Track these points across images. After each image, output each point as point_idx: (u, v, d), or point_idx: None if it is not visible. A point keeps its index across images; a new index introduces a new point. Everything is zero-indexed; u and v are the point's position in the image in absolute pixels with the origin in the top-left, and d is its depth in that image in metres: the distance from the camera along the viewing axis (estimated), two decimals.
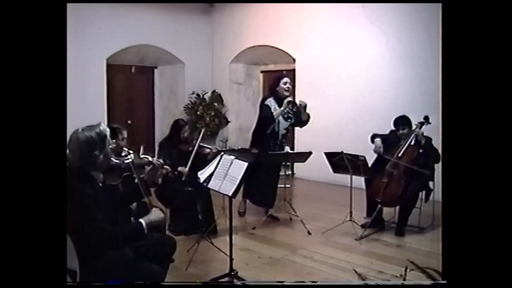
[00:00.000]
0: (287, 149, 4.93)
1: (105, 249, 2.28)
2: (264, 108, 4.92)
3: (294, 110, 4.95)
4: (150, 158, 3.06)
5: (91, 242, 2.24)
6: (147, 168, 2.72)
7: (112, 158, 2.57)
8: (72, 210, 2.13)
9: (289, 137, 7.57)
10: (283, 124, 4.94)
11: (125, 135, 3.90)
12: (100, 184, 2.41)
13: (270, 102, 4.92)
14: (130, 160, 2.74)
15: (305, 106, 4.87)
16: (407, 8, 6.20)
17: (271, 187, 5.07)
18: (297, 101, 4.99)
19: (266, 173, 4.78)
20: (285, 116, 4.92)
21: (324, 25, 7.15)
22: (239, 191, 3.18)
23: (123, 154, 2.99)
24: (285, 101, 4.80)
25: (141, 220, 2.39)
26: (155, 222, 2.42)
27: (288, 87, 4.91)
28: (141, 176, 2.67)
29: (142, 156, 3.24)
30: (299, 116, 4.97)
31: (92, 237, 2.23)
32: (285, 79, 4.96)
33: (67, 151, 2.25)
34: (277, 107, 4.85)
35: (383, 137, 4.74)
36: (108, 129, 2.36)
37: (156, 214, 2.46)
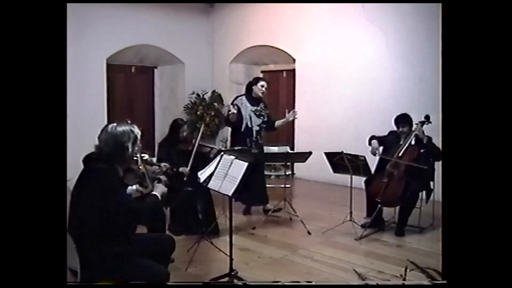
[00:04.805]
0: (287, 149, 4.95)
1: (131, 224, 2.50)
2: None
3: (267, 112, 5.22)
4: (160, 166, 3.12)
5: (117, 219, 2.33)
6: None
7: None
8: (98, 193, 2.29)
9: (289, 137, 7.63)
10: (256, 121, 5.14)
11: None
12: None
13: (242, 100, 5.18)
14: (143, 170, 2.81)
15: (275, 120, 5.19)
16: (407, 8, 6.19)
17: (260, 184, 5.18)
18: (288, 113, 5.15)
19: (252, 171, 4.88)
20: (257, 113, 5.14)
21: (324, 25, 7.15)
22: (239, 191, 3.18)
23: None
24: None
25: (154, 192, 2.55)
26: (164, 194, 2.58)
27: (263, 91, 5.16)
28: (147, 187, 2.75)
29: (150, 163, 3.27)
30: (271, 120, 5.23)
31: (119, 212, 2.32)
32: (263, 83, 5.20)
33: (97, 142, 2.45)
34: (248, 105, 5.11)
35: (381, 138, 4.74)
36: (140, 132, 2.57)
37: (161, 187, 2.61)
